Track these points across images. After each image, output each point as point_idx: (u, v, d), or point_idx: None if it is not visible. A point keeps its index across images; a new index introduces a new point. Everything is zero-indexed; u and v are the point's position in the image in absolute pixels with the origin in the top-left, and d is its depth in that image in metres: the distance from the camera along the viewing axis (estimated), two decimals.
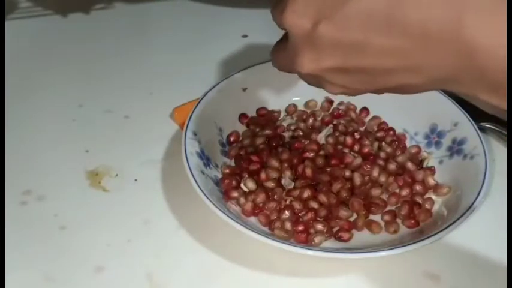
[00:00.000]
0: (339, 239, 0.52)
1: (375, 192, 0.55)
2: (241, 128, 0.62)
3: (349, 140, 0.59)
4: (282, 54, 0.40)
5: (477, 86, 0.34)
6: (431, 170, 0.58)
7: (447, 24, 0.32)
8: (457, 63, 0.33)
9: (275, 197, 0.54)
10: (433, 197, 0.56)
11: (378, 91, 0.38)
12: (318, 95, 0.64)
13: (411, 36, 0.33)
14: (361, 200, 0.54)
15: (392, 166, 0.57)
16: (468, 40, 0.32)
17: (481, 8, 0.32)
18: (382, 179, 0.56)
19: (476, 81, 0.33)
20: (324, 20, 0.35)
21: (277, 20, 0.38)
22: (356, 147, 0.59)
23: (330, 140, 0.60)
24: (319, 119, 0.63)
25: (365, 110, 0.63)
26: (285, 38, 0.40)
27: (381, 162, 0.57)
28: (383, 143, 0.60)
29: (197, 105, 0.58)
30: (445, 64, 0.33)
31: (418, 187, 0.56)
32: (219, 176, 0.56)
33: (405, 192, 0.56)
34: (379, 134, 0.61)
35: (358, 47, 0.35)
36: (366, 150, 0.59)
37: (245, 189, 0.55)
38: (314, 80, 0.39)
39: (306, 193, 0.54)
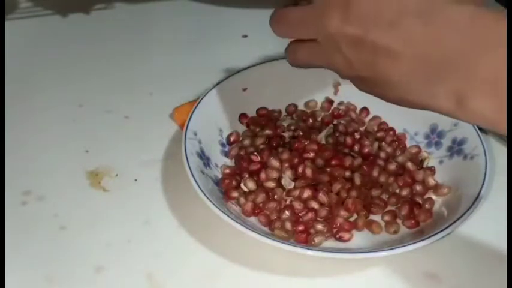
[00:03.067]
0: (339, 239, 0.52)
1: (375, 192, 0.55)
2: (241, 128, 0.62)
3: (349, 140, 0.59)
4: (300, 12, 0.41)
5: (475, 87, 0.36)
6: (431, 170, 0.58)
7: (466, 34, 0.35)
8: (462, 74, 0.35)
9: (275, 197, 0.54)
10: (433, 197, 0.56)
11: (372, 81, 0.40)
12: (318, 95, 0.64)
13: (433, 35, 0.35)
14: (361, 200, 0.54)
15: (392, 166, 0.57)
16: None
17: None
18: (382, 179, 0.56)
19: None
20: None
21: None
22: (356, 147, 0.59)
23: (330, 140, 0.60)
24: (319, 119, 0.63)
25: (365, 110, 0.63)
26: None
27: (381, 162, 0.57)
28: (383, 143, 0.60)
29: (197, 105, 0.58)
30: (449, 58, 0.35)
31: (418, 187, 0.56)
32: (219, 176, 0.56)
33: (405, 192, 0.56)
34: (379, 134, 0.61)
35: (387, 24, 0.36)
36: (366, 150, 0.59)
37: (245, 189, 0.55)
38: (328, 45, 0.40)
39: (306, 193, 0.54)
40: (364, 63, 0.39)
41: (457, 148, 0.58)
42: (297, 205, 0.54)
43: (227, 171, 0.57)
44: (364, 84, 0.41)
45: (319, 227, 0.52)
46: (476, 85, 0.35)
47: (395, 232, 0.53)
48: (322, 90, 0.64)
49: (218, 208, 0.49)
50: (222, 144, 0.59)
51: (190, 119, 0.57)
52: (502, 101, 0.34)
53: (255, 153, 0.57)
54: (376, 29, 0.37)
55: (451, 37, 0.35)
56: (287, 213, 0.53)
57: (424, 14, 0.36)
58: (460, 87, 0.36)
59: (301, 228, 0.52)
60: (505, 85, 0.33)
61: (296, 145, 0.58)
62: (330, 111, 0.64)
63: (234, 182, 0.55)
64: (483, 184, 0.52)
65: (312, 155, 0.57)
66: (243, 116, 0.62)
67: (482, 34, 0.35)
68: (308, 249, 0.49)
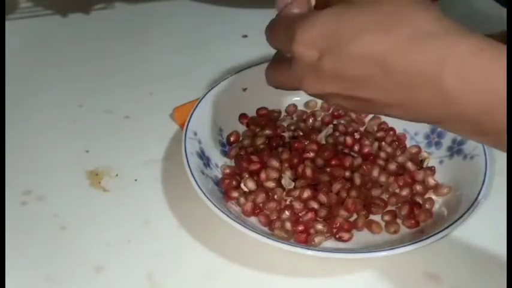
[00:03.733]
0: (339, 239, 0.52)
1: (375, 192, 0.55)
2: (241, 128, 0.62)
3: (349, 140, 0.59)
4: (283, 75, 0.43)
5: (464, 129, 0.37)
6: (431, 170, 0.58)
7: (427, 73, 0.35)
8: (438, 109, 0.36)
9: (275, 197, 0.54)
10: (433, 197, 0.56)
11: (379, 114, 0.42)
12: None
13: (400, 84, 0.36)
14: (361, 200, 0.54)
15: (392, 166, 0.57)
16: (447, 90, 0.35)
17: (460, 59, 0.34)
18: (382, 179, 0.56)
19: (459, 124, 0.37)
20: (329, 54, 0.37)
21: (284, 46, 0.40)
22: (356, 147, 0.59)
23: (330, 140, 0.60)
24: (319, 119, 0.63)
25: None
26: (283, 60, 0.42)
27: (381, 162, 0.57)
28: (383, 143, 0.60)
29: (197, 105, 0.58)
30: (427, 108, 0.36)
31: (418, 187, 0.56)
32: (219, 176, 0.56)
33: (405, 192, 0.56)
34: (379, 134, 0.61)
35: (356, 82, 0.38)
36: (366, 150, 0.59)
37: (245, 189, 0.55)
38: (318, 97, 0.42)
39: (306, 193, 0.54)
40: (361, 108, 0.40)
41: (457, 148, 0.58)
42: (297, 205, 0.54)
43: (227, 171, 0.57)
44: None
45: (319, 227, 0.52)
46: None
47: (395, 232, 0.53)
48: None
49: (218, 208, 0.49)
50: (222, 144, 0.60)
51: (190, 119, 0.57)
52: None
53: (255, 153, 0.57)
54: (350, 87, 0.38)
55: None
56: (287, 213, 0.53)
57: (384, 61, 0.36)
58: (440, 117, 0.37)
59: (301, 228, 0.52)
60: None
61: (296, 145, 0.58)
62: (330, 111, 0.64)
63: (234, 182, 0.55)
64: (483, 184, 0.52)
65: (312, 155, 0.57)
66: (243, 116, 0.62)
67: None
68: (308, 249, 0.49)
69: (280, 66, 0.43)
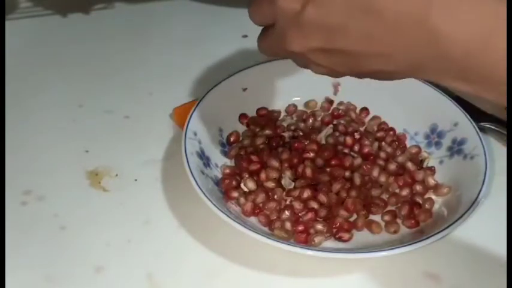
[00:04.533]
0: (339, 239, 0.52)
1: (375, 192, 0.55)
2: (241, 128, 0.62)
3: (349, 140, 0.59)
4: (270, 38, 0.42)
5: (444, 74, 0.37)
6: (431, 170, 0.58)
7: (416, 14, 0.35)
8: (425, 51, 0.36)
9: (275, 197, 0.54)
10: (433, 197, 0.56)
11: (358, 75, 0.41)
12: (318, 95, 0.64)
13: (385, 23, 0.36)
14: (361, 200, 0.54)
15: (392, 166, 0.57)
16: (434, 29, 0.35)
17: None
18: (382, 179, 0.56)
19: (443, 69, 0.37)
20: (310, 3, 0.37)
21: (268, 10, 0.40)
22: (356, 147, 0.59)
23: (330, 140, 0.60)
24: (319, 119, 0.63)
25: (365, 110, 0.63)
26: (269, 26, 0.42)
27: (381, 162, 0.57)
28: (383, 143, 0.60)
29: (197, 105, 0.58)
30: (413, 51, 0.36)
31: (418, 187, 0.56)
32: (219, 176, 0.56)
33: (405, 192, 0.56)
34: (379, 134, 0.61)
35: (339, 30, 0.37)
36: (366, 150, 0.59)
37: (245, 189, 0.55)
38: (301, 60, 0.42)
39: (306, 193, 0.54)
40: (343, 66, 0.40)
41: (457, 148, 0.58)
42: (297, 205, 0.54)
43: (227, 171, 0.57)
44: (352, 75, 0.42)
45: (319, 227, 0.52)
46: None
47: (395, 232, 0.53)
48: (322, 90, 0.64)
49: (218, 208, 0.49)
50: (222, 144, 0.60)
51: (190, 119, 0.57)
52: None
53: (255, 153, 0.57)
54: (333, 37, 0.38)
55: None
56: (287, 213, 0.53)
57: (371, 4, 0.36)
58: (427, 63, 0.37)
59: (301, 228, 0.52)
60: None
61: (296, 145, 0.58)
62: (330, 111, 0.64)
63: (234, 182, 0.55)
64: (483, 184, 0.52)
65: (311, 155, 0.57)
66: (243, 116, 0.62)
67: None
68: (308, 249, 0.49)
69: (267, 32, 0.43)
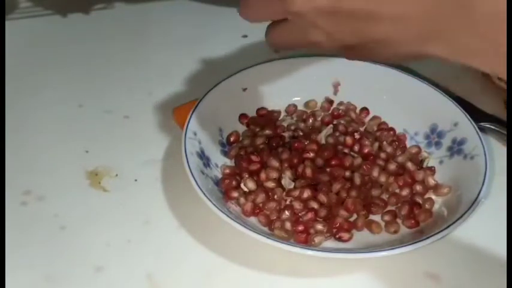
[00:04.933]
0: (339, 239, 0.52)
1: (375, 192, 0.55)
2: (241, 128, 0.62)
3: (349, 140, 0.59)
4: (279, 25, 0.40)
5: (456, 44, 0.35)
6: (431, 170, 0.58)
7: None
8: (445, 13, 0.33)
9: (275, 197, 0.54)
10: (433, 197, 0.56)
11: (359, 46, 0.38)
12: (318, 95, 0.64)
13: None
14: (361, 200, 0.54)
15: (392, 166, 0.57)
16: None
17: None
18: (382, 179, 0.56)
19: (459, 38, 0.34)
20: None
21: None
22: (356, 147, 0.59)
23: (330, 140, 0.60)
24: (319, 119, 0.63)
25: (365, 110, 0.63)
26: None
27: (381, 162, 0.57)
28: (383, 143, 0.60)
29: (197, 105, 0.58)
30: (432, 13, 0.34)
31: (418, 187, 0.56)
32: (219, 176, 0.56)
33: (405, 192, 0.56)
34: (379, 134, 0.61)
35: None
36: (366, 150, 0.59)
37: (245, 189, 0.55)
38: (301, 22, 0.38)
39: (306, 193, 0.54)
40: (346, 32, 0.37)
41: (457, 148, 0.58)
42: (297, 205, 0.54)
43: (227, 171, 0.57)
44: (351, 52, 0.39)
45: (319, 227, 0.52)
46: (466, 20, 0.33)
47: (395, 232, 0.53)
48: (322, 90, 0.64)
49: (218, 208, 0.49)
50: (222, 144, 0.59)
51: (190, 119, 0.57)
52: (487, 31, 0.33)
53: (255, 153, 0.57)
54: None
55: None
56: (287, 213, 0.53)
57: None
58: (444, 28, 0.34)
59: (301, 228, 0.52)
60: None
61: (296, 145, 0.58)
62: (330, 111, 0.64)
63: (234, 182, 0.55)
64: (483, 184, 0.52)
65: (311, 155, 0.57)
66: (243, 116, 0.62)
67: None
68: (308, 249, 0.49)
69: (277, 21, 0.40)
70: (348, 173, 0.56)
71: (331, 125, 0.62)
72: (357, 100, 0.64)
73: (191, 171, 0.52)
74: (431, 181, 0.56)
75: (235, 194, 0.54)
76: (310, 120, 0.62)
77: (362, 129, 0.62)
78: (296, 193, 0.54)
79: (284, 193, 0.55)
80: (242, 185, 0.55)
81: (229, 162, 0.58)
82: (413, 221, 0.53)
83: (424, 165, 0.59)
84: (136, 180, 0.57)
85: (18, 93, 0.65)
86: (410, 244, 0.48)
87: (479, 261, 0.52)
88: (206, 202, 0.50)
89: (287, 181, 0.55)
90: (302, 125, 0.62)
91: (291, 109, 0.64)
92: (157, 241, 0.52)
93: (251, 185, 0.55)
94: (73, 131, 0.62)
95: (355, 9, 0.35)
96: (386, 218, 0.54)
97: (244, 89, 0.62)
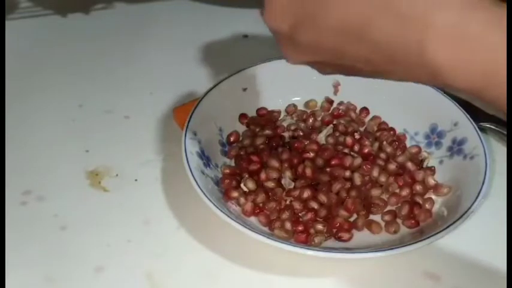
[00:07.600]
0: (339, 239, 0.52)
1: (375, 192, 0.55)
2: (241, 128, 0.62)
3: (349, 140, 0.59)
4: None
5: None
6: (431, 170, 0.58)
7: (411, 47, 0.34)
8: (424, 78, 0.36)
9: (275, 197, 0.54)
10: (433, 197, 0.56)
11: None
12: (318, 95, 0.64)
13: (380, 52, 0.35)
14: (361, 200, 0.54)
15: (392, 166, 0.57)
16: (430, 61, 0.34)
17: (441, 30, 0.33)
18: (382, 179, 0.56)
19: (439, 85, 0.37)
20: (302, 26, 0.37)
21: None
22: (356, 147, 0.59)
23: (330, 140, 0.60)
24: (319, 119, 0.63)
25: (365, 110, 0.63)
26: None
27: (381, 162, 0.57)
28: (383, 143, 0.60)
29: (197, 105, 0.58)
30: (412, 76, 0.36)
31: (418, 187, 0.56)
32: (219, 176, 0.56)
33: (405, 192, 0.56)
34: (379, 134, 0.61)
35: (334, 52, 0.37)
36: (366, 150, 0.59)
37: (245, 189, 0.55)
38: (303, 65, 0.42)
39: (306, 193, 0.54)
40: (339, 71, 0.41)
41: (457, 148, 0.58)
42: (297, 205, 0.54)
43: (227, 171, 0.57)
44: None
45: (319, 227, 0.52)
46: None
47: (395, 232, 0.53)
48: (322, 90, 0.64)
49: (218, 208, 0.49)
50: (222, 144, 0.60)
51: (190, 119, 0.57)
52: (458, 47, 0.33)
53: (255, 153, 0.57)
54: (328, 56, 0.38)
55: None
56: (287, 213, 0.53)
57: (364, 30, 0.35)
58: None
59: (301, 228, 0.52)
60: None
61: (296, 145, 0.58)
62: (330, 111, 0.64)
63: (234, 182, 0.55)
64: (483, 184, 0.52)
65: (311, 155, 0.57)
66: (243, 116, 0.62)
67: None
68: (308, 249, 0.49)
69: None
70: (348, 173, 0.56)
71: (331, 125, 0.62)
72: (357, 100, 0.64)
73: (191, 171, 0.52)
74: (431, 181, 0.56)
75: (235, 194, 0.54)
76: (310, 120, 0.62)
77: (362, 129, 0.62)
78: (296, 193, 0.54)
79: (284, 193, 0.55)
80: (242, 185, 0.55)
81: (229, 162, 0.58)
82: (413, 221, 0.53)
83: (424, 165, 0.59)
84: (136, 180, 0.57)
85: (18, 93, 0.65)
86: (410, 244, 0.48)
87: (479, 261, 0.52)
88: (206, 202, 0.50)
89: (287, 181, 0.55)
90: (302, 125, 0.62)
91: (291, 109, 0.64)
92: (157, 241, 0.52)
93: (251, 185, 0.55)
94: (73, 131, 0.63)
95: (340, 65, 0.38)
96: (386, 218, 0.54)
97: (244, 89, 0.62)
